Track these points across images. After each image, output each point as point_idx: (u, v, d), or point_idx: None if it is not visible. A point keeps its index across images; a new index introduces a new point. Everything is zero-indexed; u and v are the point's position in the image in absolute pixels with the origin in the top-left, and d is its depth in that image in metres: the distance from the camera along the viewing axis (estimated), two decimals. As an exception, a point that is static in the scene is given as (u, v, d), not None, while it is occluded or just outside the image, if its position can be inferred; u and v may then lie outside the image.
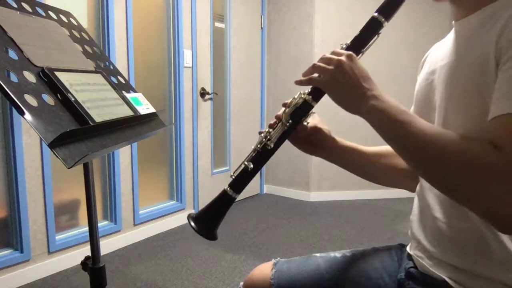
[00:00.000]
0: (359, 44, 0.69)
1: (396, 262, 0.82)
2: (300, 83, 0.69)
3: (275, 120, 0.75)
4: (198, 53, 2.95)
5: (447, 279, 0.65)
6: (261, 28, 3.68)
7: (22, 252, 1.94)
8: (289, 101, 0.73)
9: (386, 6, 0.68)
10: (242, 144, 3.59)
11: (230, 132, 3.44)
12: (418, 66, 0.85)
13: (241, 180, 0.71)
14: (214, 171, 3.27)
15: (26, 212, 1.94)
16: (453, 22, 0.72)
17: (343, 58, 0.64)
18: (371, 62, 3.53)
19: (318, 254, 0.87)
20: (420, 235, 0.74)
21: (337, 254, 0.86)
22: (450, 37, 0.72)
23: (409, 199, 3.56)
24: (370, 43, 0.69)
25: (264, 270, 0.86)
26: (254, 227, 2.85)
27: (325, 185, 3.61)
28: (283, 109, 0.73)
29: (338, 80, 0.63)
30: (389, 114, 0.60)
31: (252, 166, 0.70)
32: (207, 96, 3.07)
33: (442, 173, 0.55)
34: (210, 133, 3.15)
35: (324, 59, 0.66)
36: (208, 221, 0.72)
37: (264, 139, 0.71)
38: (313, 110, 0.73)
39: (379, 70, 3.56)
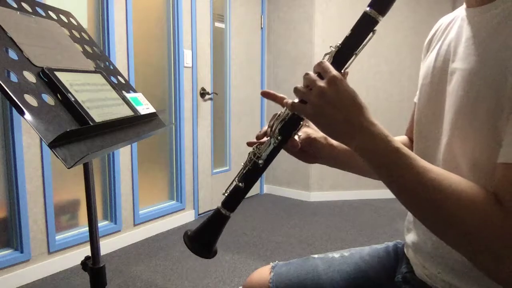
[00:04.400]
0: (351, 45, 0.59)
1: (394, 261, 0.82)
2: (285, 105, 0.63)
3: (263, 131, 0.71)
4: (198, 53, 2.94)
5: None
6: (261, 28, 3.68)
7: (22, 252, 1.94)
8: (279, 113, 0.67)
9: None
10: (242, 144, 3.58)
11: (230, 132, 3.44)
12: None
13: (233, 198, 0.69)
14: (214, 171, 3.27)
15: (26, 212, 1.94)
16: (465, 7, 0.62)
17: (324, 85, 0.55)
18: (372, 62, 3.53)
19: (316, 255, 0.87)
20: (414, 245, 0.72)
21: (335, 254, 0.86)
22: (462, 25, 0.62)
23: (409, 199, 3.57)
24: (364, 43, 0.59)
25: (263, 274, 0.86)
26: (254, 227, 2.85)
27: (325, 185, 3.61)
28: (275, 117, 0.68)
29: (321, 114, 0.56)
30: (378, 155, 0.53)
31: (243, 184, 0.67)
32: (207, 96, 3.07)
33: (437, 228, 0.52)
34: (210, 133, 3.15)
35: (306, 81, 0.58)
36: (203, 241, 0.71)
37: (253, 156, 0.67)
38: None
39: (380, 70, 3.56)
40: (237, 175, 0.69)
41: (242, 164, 0.69)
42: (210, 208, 3.22)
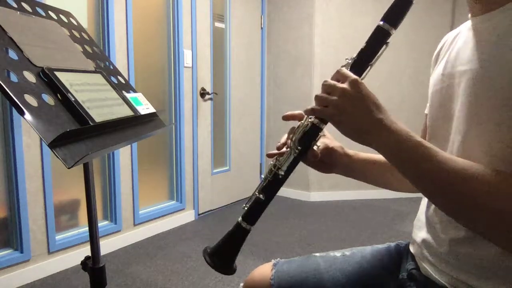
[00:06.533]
0: (365, 57, 0.63)
1: (396, 260, 0.82)
2: (305, 112, 0.65)
3: (282, 142, 0.72)
4: (198, 53, 2.94)
5: (448, 286, 0.64)
6: (261, 28, 3.68)
7: (22, 252, 1.94)
8: (298, 124, 0.69)
9: (391, 13, 0.62)
10: (242, 144, 3.58)
11: (230, 132, 3.44)
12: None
13: (254, 211, 0.69)
14: (214, 171, 3.27)
15: (26, 212, 1.94)
16: (470, 16, 0.66)
17: (346, 86, 0.58)
18: (371, 62, 3.53)
19: (318, 254, 0.87)
20: (424, 242, 0.72)
21: (337, 253, 0.86)
22: (468, 34, 0.65)
23: (409, 199, 3.57)
24: (378, 54, 0.63)
25: (264, 271, 0.86)
26: (254, 227, 2.84)
27: (325, 185, 3.61)
28: (292, 130, 0.70)
29: (343, 113, 0.58)
30: (402, 150, 0.55)
31: (263, 196, 0.68)
32: (207, 96, 3.07)
33: (465, 214, 0.53)
34: (210, 133, 3.15)
35: (326, 87, 0.61)
36: (224, 256, 0.72)
37: (273, 168, 0.69)
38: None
39: (379, 70, 3.56)
40: (257, 187, 0.70)
41: (266, 171, 0.71)
42: (210, 208, 3.22)
